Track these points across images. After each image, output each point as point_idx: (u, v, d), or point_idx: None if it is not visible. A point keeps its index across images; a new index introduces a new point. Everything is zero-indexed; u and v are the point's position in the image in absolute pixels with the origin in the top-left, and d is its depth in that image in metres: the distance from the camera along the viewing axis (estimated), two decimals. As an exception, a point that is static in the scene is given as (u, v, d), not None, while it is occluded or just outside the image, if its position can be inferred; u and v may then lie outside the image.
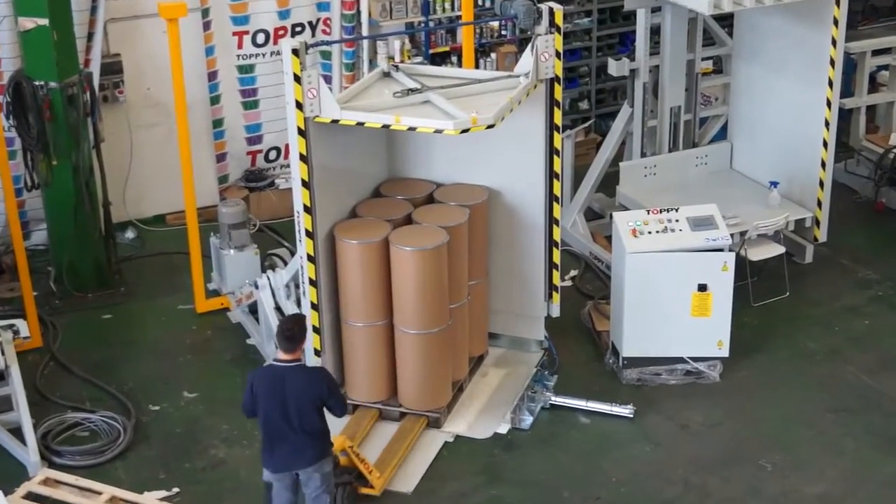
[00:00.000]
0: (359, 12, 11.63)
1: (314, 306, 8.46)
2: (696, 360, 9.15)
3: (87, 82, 10.13)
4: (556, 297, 9.35)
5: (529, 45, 8.60)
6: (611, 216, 9.81)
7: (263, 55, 11.82)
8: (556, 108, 8.78)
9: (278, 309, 9.26)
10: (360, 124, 8.05)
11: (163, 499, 8.00)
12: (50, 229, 10.43)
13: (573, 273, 10.80)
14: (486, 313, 9.32)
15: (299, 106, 7.94)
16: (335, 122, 8.04)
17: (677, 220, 9.10)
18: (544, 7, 8.54)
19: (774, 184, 10.67)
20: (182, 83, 9.44)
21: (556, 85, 8.71)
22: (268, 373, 7.11)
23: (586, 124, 12.77)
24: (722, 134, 11.66)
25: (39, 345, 9.64)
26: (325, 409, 7.13)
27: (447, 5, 12.10)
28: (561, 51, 8.65)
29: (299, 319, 7.24)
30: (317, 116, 8.03)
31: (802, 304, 10.25)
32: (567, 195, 11.01)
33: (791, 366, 9.43)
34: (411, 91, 8.33)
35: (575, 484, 8.13)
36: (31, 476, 8.04)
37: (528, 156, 8.93)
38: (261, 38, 11.73)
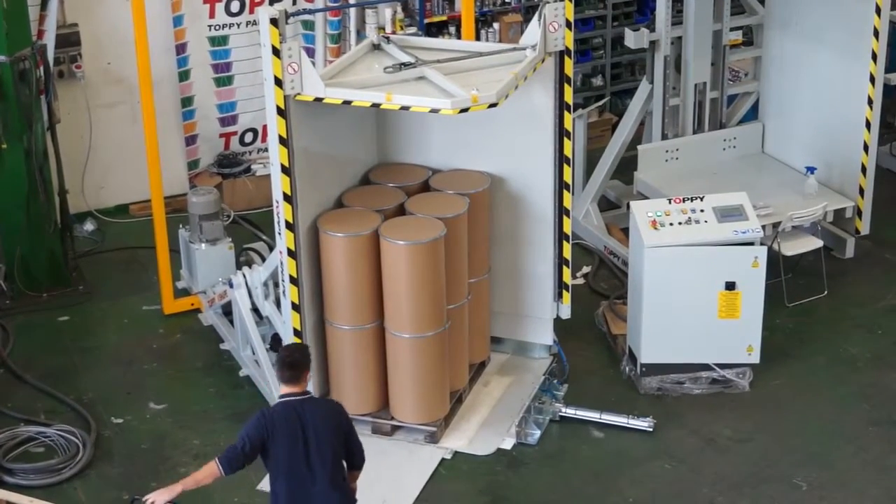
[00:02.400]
0: (345, -23, 11.68)
1: (295, 307, 8.48)
2: (723, 367, 9.19)
3: (41, 56, 10.14)
4: (567, 296, 9.38)
5: (536, 14, 8.61)
6: (628, 206, 9.83)
7: (238, 25, 11.84)
8: (566, 85, 8.80)
9: (255, 310, 9.29)
10: (347, 103, 8.06)
11: (126, 522, 8.05)
12: (-1, 221, 10.47)
13: (586, 270, 10.83)
14: (487, 315, 9.35)
15: (278, 82, 7.96)
16: (319, 100, 8.06)
17: (702, 211, 9.12)
18: (553, -29, 8.57)
19: (811, 169, 10.70)
20: (147, 57, 9.46)
21: (566, 59, 8.73)
22: (284, 409, 6.64)
23: (600, 103, 12.79)
24: (752, 114, 11.68)
25: (-12, 350, 9.69)
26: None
27: (444, -31, 12.15)
28: (572, 20, 8.67)
29: (301, 346, 6.98)
30: (298, 94, 8.04)
31: (842, 304, 10.28)
32: (579, 182, 11.05)
33: (830, 373, 9.47)
34: (404, 66, 8.34)
35: (587, 505, 8.18)
36: (-21, 497, 8.08)
37: (535, 138, 8.95)
38: (235, 6, 11.75)
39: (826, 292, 10.33)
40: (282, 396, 6.71)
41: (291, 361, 6.67)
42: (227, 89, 12.00)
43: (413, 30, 11.95)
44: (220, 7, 11.71)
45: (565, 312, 9.44)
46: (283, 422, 6.60)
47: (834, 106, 10.69)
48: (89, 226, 11.63)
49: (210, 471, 6.66)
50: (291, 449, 6.58)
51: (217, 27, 11.78)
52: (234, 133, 12.21)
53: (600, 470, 8.48)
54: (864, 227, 10.78)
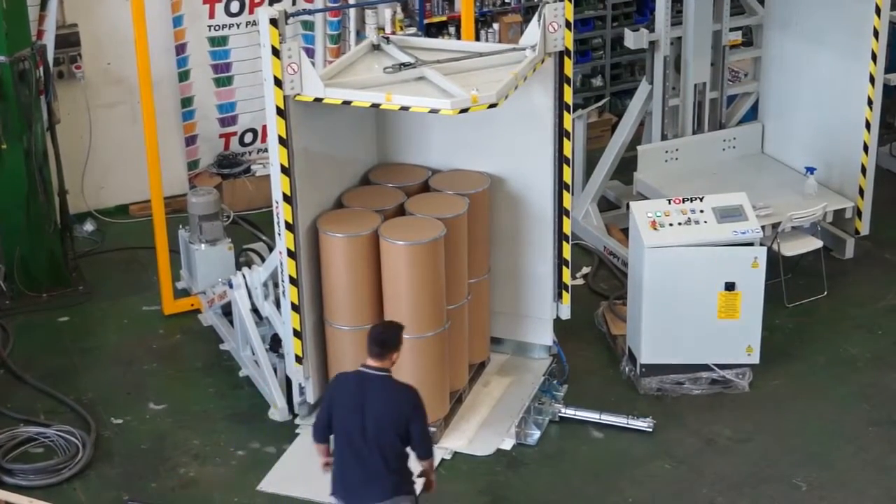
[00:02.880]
0: (345, -22, 11.68)
1: (295, 307, 8.48)
2: (722, 367, 9.19)
3: (41, 56, 10.14)
4: (567, 297, 9.38)
5: (536, 15, 8.61)
6: (627, 206, 9.84)
7: (238, 25, 11.84)
8: (566, 85, 8.80)
9: (255, 310, 9.29)
10: (347, 103, 8.06)
11: (126, 523, 8.06)
12: (-1, 221, 10.47)
13: (585, 270, 10.83)
14: (487, 315, 9.35)
15: (278, 83, 7.96)
16: (318, 100, 8.06)
17: (702, 211, 9.12)
18: (553, -28, 8.57)
19: (811, 170, 10.70)
20: (147, 57, 9.46)
21: (566, 59, 8.73)
22: (350, 378, 6.85)
23: (600, 103, 12.79)
24: (752, 114, 11.69)
25: (-13, 351, 9.69)
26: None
27: (444, -30, 12.15)
28: (572, 20, 8.67)
29: (395, 325, 7.01)
30: (298, 94, 8.04)
31: (842, 304, 10.28)
32: (578, 183, 11.05)
33: (829, 374, 9.47)
34: (404, 66, 8.35)
35: (587, 506, 8.18)
36: (-21, 498, 8.08)
37: (535, 138, 8.96)
38: (235, 6, 11.75)
39: (826, 293, 10.33)
40: (362, 365, 6.84)
41: (381, 340, 6.81)
42: (227, 90, 12.00)
43: (413, 30, 11.96)
44: (219, 7, 11.71)
45: (565, 313, 9.44)
46: (344, 389, 6.80)
47: (834, 106, 10.69)
48: (89, 226, 11.63)
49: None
50: (348, 416, 6.72)
51: (217, 27, 11.78)
52: (234, 133, 12.21)
53: (600, 470, 8.48)
54: (864, 227, 10.78)
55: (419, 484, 7.04)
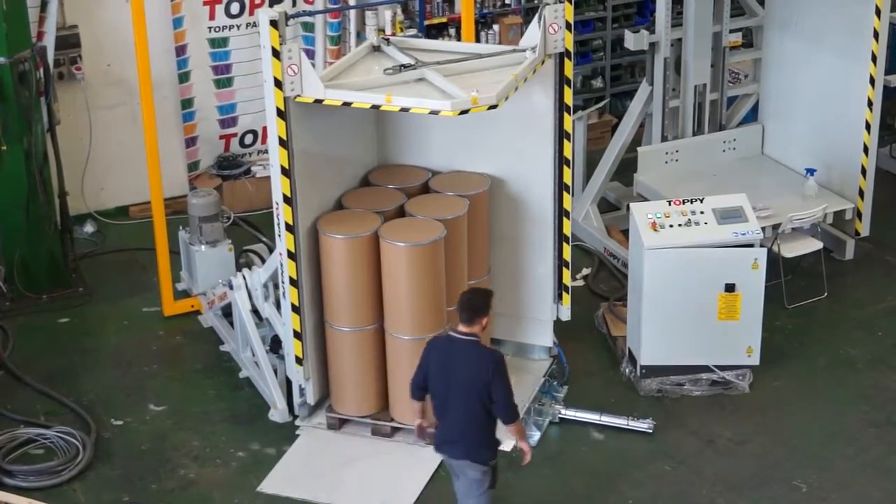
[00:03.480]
0: (345, -21, 11.69)
1: (295, 308, 8.49)
2: (722, 368, 9.19)
3: (41, 57, 10.15)
4: (567, 298, 9.39)
5: (536, 16, 8.62)
6: (627, 208, 9.84)
7: (238, 27, 11.84)
8: (566, 87, 8.81)
9: (255, 311, 9.30)
10: (347, 104, 8.07)
11: (126, 524, 8.07)
12: (-1, 223, 10.47)
13: (585, 272, 10.84)
14: (487, 316, 9.36)
15: (278, 84, 7.96)
16: (319, 102, 8.06)
17: (702, 212, 9.12)
18: (553, -27, 8.57)
19: (811, 171, 10.70)
20: (147, 58, 9.46)
21: (566, 60, 8.73)
22: (443, 342, 7.22)
23: (600, 105, 12.80)
24: (752, 115, 11.69)
25: (-12, 352, 9.69)
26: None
27: (444, -29, 12.16)
28: (572, 22, 8.68)
29: (484, 292, 7.31)
30: (298, 96, 8.05)
31: (842, 305, 10.29)
32: (579, 184, 11.05)
33: (829, 375, 9.47)
34: (404, 67, 8.35)
35: (587, 507, 8.18)
36: (-21, 499, 8.08)
37: (535, 140, 8.96)
38: (235, 7, 11.76)
39: (826, 294, 10.34)
40: (452, 329, 7.18)
41: (469, 305, 7.10)
42: (227, 91, 12.00)
43: (413, 31, 11.97)
44: (220, 9, 11.71)
45: (565, 314, 9.44)
46: (436, 350, 7.21)
47: (834, 108, 10.69)
48: (89, 227, 11.63)
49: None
50: (437, 375, 7.13)
51: (217, 29, 11.78)
52: (234, 135, 12.22)
53: (600, 471, 8.48)
54: (864, 228, 10.78)
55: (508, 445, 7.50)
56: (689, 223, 9.06)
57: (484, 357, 7.05)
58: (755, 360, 9.20)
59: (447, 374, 7.08)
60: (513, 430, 7.21)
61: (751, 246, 8.98)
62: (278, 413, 8.94)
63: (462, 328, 7.07)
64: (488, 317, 7.12)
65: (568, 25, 8.64)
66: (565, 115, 8.87)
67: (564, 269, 9.30)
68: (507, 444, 8.67)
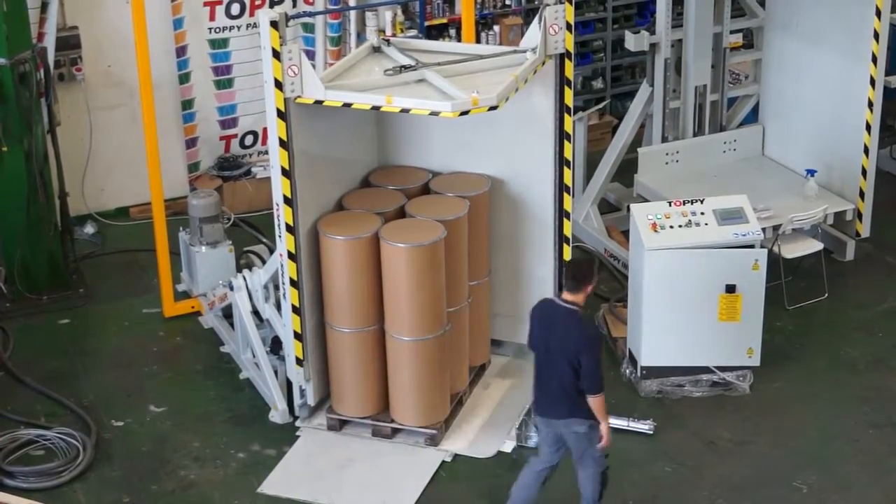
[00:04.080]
0: (345, -20, 11.69)
1: (295, 310, 8.49)
2: (723, 369, 9.19)
3: (41, 59, 10.15)
4: (567, 299, 9.38)
5: (537, 17, 8.62)
6: (628, 209, 9.84)
7: (238, 28, 11.85)
8: (566, 88, 8.81)
9: (255, 313, 9.30)
10: (347, 105, 8.07)
11: (127, 525, 8.06)
12: (-1, 223, 10.47)
13: (586, 272, 10.83)
14: (488, 318, 9.36)
15: (279, 85, 7.97)
16: (319, 103, 8.07)
17: (702, 213, 9.13)
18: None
19: (811, 172, 10.70)
20: (147, 59, 9.46)
21: (566, 61, 8.73)
22: (547, 306, 7.53)
23: (601, 105, 12.80)
24: (753, 116, 11.69)
25: (-12, 353, 9.69)
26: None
27: (444, -29, 12.16)
28: (572, 23, 8.68)
29: (589, 261, 7.64)
30: (298, 97, 8.05)
31: (843, 306, 10.29)
32: (579, 185, 11.05)
33: (830, 376, 9.47)
34: (404, 68, 8.35)
35: (588, 508, 8.17)
36: (-21, 500, 8.08)
37: (536, 141, 8.96)
38: (235, 8, 11.76)
39: (826, 295, 10.34)
40: (558, 296, 7.53)
41: (575, 274, 7.44)
42: (228, 92, 12.01)
43: (413, 32, 11.97)
44: (220, 10, 11.72)
45: (566, 315, 9.43)
46: (539, 314, 7.54)
47: (834, 108, 10.70)
48: (89, 228, 11.63)
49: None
50: (538, 337, 7.49)
51: (217, 30, 11.78)
52: (235, 136, 12.22)
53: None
54: (865, 229, 10.79)
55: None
56: (689, 224, 9.06)
57: (579, 327, 7.38)
58: (756, 361, 9.20)
59: (547, 338, 7.41)
60: (594, 403, 7.41)
61: (751, 247, 8.98)
62: (279, 414, 8.94)
63: (567, 296, 7.39)
64: (593, 285, 7.45)
65: (568, 26, 8.64)
66: (566, 116, 8.86)
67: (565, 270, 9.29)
68: (507, 445, 8.69)
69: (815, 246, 10.32)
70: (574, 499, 7.81)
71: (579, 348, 7.28)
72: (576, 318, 7.38)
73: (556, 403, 7.45)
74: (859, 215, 10.71)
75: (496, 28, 12.48)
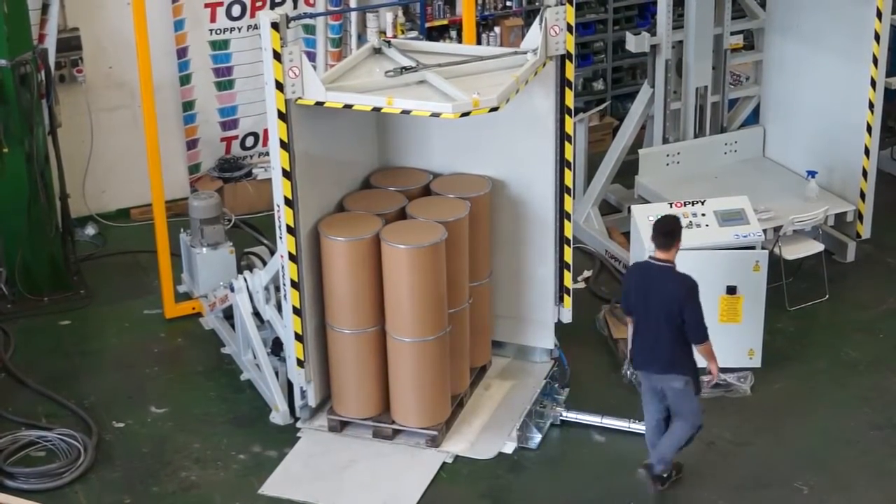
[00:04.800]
0: (346, -19, 11.69)
1: (296, 311, 8.49)
2: (724, 370, 9.17)
3: (42, 60, 10.15)
4: (568, 300, 9.39)
5: (538, 18, 8.63)
6: (629, 210, 9.84)
7: (239, 29, 11.85)
8: (567, 89, 8.81)
9: (256, 314, 9.30)
10: (348, 107, 8.08)
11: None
12: (0, 225, 10.45)
13: (587, 274, 10.83)
14: (488, 319, 9.36)
15: (279, 86, 7.97)
16: (320, 104, 8.07)
17: (703, 215, 9.13)
18: (554, -25, 8.58)
19: (812, 173, 10.70)
20: (148, 61, 9.47)
21: (567, 62, 8.74)
22: (641, 267, 7.98)
23: (601, 107, 12.80)
24: (753, 117, 11.69)
25: (-11, 354, 9.69)
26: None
27: (445, -27, 12.16)
28: (573, 24, 8.68)
29: (675, 217, 7.97)
30: (299, 98, 8.06)
31: (844, 308, 10.28)
32: (580, 186, 11.06)
33: (831, 377, 9.47)
34: (405, 70, 8.36)
35: (589, 509, 8.18)
36: (-20, 501, 8.09)
37: (536, 142, 8.96)
38: (236, 10, 11.77)
39: (827, 296, 10.34)
40: (650, 256, 7.92)
41: (665, 230, 7.81)
42: (229, 93, 12.01)
43: (414, 34, 11.98)
44: (221, 11, 11.72)
45: (566, 316, 9.45)
46: (637, 274, 8.01)
47: (835, 110, 10.70)
48: (90, 230, 11.64)
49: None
50: (637, 299, 7.91)
51: (218, 31, 11.79)
52: (235, 137, 12.22)
53: (601, 474, 8.48)
54: (865, 230, 10.79)
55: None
56: (690, 225, 9.07)
57: (678, 281, 7.76)
58: (756, 362, 9.21)
59: (646, 296, 7.80)
60: (702, 350, 7.84)
61: (752, 248, 8.99)
62: (279, 415, 8.95)
63: (659, 254, 7.79)
64: (680, 240, 7.80)
65: (569, 28, 8.65)
66: (566, 117, 8.87)
67: (566, 272, 9.30)
68: (508, 446, 8.70)
69: (816, 247, 10.32)
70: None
71: (681, 302, 7.67)
72: (673, 273, 7.78)
73: (656, 360, 7.86)
74: (860, 217, 10.71)
75: (497, 29, 12.48)
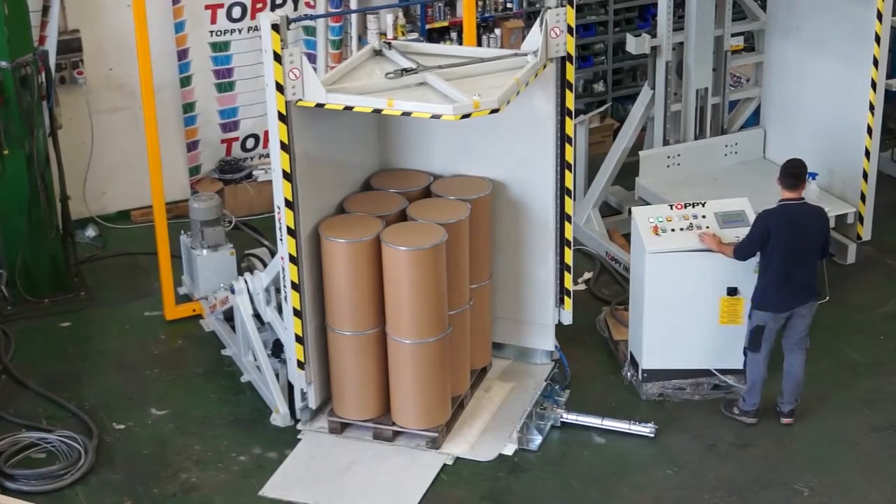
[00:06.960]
0: (346, -17, 11.70)
1: (297, 313, 8.50)
2: (724, 372, 9.19)
3: (42, 62, 10.16)
4: (568, 302, 9.39)
5: (538, 20, 8.63)
6: (629, 212, 9.85)
7: (240, 31, 11.86)
8: (567, 91, 8.82)
9: (257, 316, 9.31)
10: (349, 109, 8.09)
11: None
12: (1, 227, 10.46)
13: (587, 276, 10.84)
14: (489, 321, 9.37)
15: (280, 88, 7.98)
16: (320, 106, 8.08)
17: (704, 216, 9.13)
18: (554, -23, 8.58)
19: (813, 175, 10.65)
20: (148, 63, 9.48)
21: (567, 64, 8.74)
22: (784, 211, 8.39)
23: (602, 109, 12.80)
24: (754, 119, 11.70)
25: (-11, 356, 9.69)
26: None
27: (446, -25, 12.16)
28: (574, 26, 8.69)
29: (801, 161, 8.46)
30: (300, 100, 8.07)
31: (844, 309, 10.29)
32: (580, 188, 11.07)
33: (831, 379, 9.47)
34: (406, 71, 8.37)
35: (589, 511, 8.19)
36: (-20, 503, 8.09)
37: (537, 144, 8.97)
38: (237, 11, 11.77)
39: (827, 298, 10.29)
40: (780, 201, 8.42)
41: (795, 172, 8.41)
42: (229, 95, 12.02)
43: (414, 35, 11.98)
44: (221, 13, 11.73)
45: (567, 318, 9.45)
46: (781, 219, 8.38)
47: (835, 111, 10.71)
48: (91, 231, 11.65)
49: (728, 251, 8.63)
50: (786, 243, 8.35)
51: (218, 33, 11.79)
52: (236, 139, 12.23)
53: (602, 475, 8.49)
54: (866, 232, 10.80)
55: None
56: (690, 227, 9.06)
57: (820, 213, 8.56)
58: (757, 364, 9.20)
59: (797, 236, 8.35)
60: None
61: (753, 249, 8.98)
62: (280, 417, 8.95)
63: (791, 195, 8.38)
64: (806, 180, 8.48)
65: (570, 29, 8.65)
66: (567, 119, 8.87)
67: (566, 273, 9.31)
68: (508, 448, 8.70)
69: (817, 249, 10.31)
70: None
71: (827, 231, 8.54)
72: (811, 207, 8.49)
73: (806, 291, 8.50)
74: (860, 218, 10.72)
75: (497, 31, 12.49)
